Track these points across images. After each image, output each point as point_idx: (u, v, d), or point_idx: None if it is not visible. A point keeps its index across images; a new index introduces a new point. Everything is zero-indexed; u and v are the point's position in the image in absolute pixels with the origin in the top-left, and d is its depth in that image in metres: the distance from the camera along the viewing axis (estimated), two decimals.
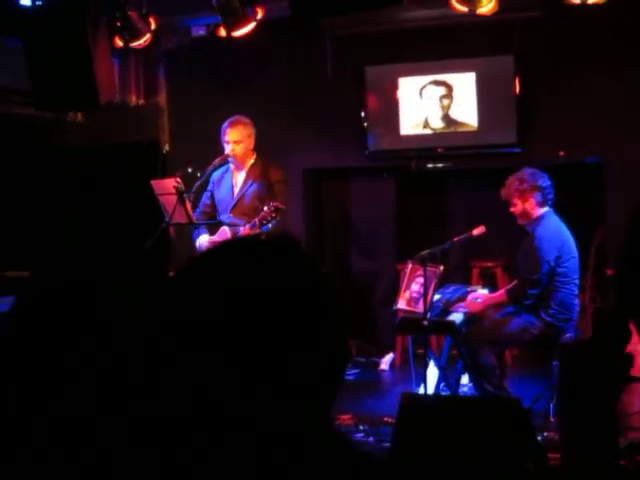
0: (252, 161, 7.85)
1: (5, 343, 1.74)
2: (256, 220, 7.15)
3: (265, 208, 7.19)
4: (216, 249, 1.48)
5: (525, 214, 7.12)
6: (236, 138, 7.69)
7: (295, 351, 1.37)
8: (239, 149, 7.71)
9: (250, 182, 7.79)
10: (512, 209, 7.16)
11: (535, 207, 7.08)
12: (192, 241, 7.80)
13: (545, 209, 7.12)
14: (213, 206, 7.98)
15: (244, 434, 1.37)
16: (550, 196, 7.11)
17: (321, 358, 1.41)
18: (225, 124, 7.75)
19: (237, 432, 1.37)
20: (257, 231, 6.99)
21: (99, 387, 1.63)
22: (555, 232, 7.09)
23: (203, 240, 7.67)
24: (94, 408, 1.62)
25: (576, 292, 7.16)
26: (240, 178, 7.87)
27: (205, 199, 8.01)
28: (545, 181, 7.09)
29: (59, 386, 1.63)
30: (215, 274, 1.41)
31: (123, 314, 1.73)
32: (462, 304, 7.36)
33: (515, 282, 7.33)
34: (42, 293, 1.77)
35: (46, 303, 1.73)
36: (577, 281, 7.15)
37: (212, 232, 7.80)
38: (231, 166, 7.89)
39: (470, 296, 7.51)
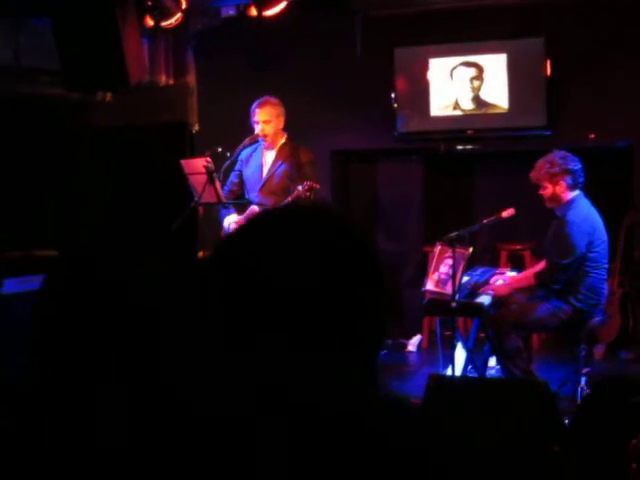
0: (283, 141, 7.87)
1: (36, 321, 1.74)
2: (289, 199, 7.17)
3: (299, 187, 7.20)
4: (254, 220, 1.47)
5: (555, 197, 7.05)
6: (265, 118, 7.71)
7: (340, 317, 1.36)
8: (268, 129, 7.72)
9: (280, 162, 7.80)
10: (541, 192, 7.09)
11: (565, 190, 7.01)
12: (220, 221, 7.82)
13: (575, 193, 7.05)
14: (240, 185, 7.99)
15: (297, 409, 1.37)
16: (581, 179, 7.04)
17: (366, 319, 1.40)
18: (254, 104, 7.76)
19: (290, 408, 1.36)
20: None
21: (130, 368, 1.63)
22: (586, 217, 7.02)
23: (231, 220, 7.69)
24: (125, 388, 1.62)
25: (605, 277, 7.11)
26: (269, 157, 7.88)
27: (233, 177, 8.02)
28: (576, 164, 7.02)
29: (90, 366, 1.63)
30: (256, 243, 1.40)
31: (155, 292, 1.72)
32: (489, 287, 7.33)
33: (543, 266, 7.29)
34: (72, 271, 1.77)
35: (77, 281, 1.73)
36: (606, 265, 7.10)
37: (240, 212, 7.81)
38: (261, 145, 7.89)
39: (494, 279, 7.48)
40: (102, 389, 1.61)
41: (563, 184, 6.98)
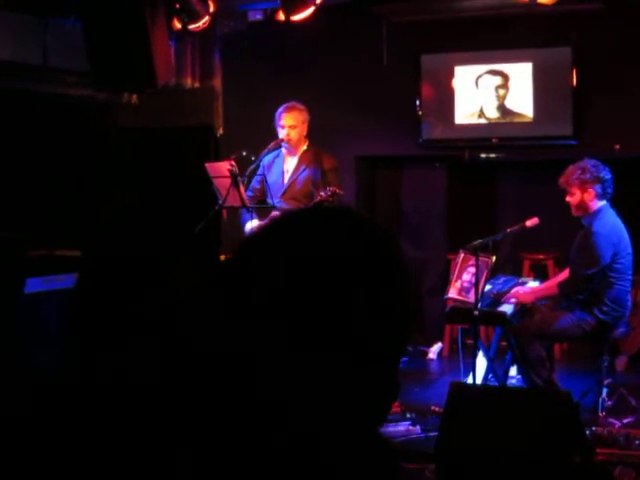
0: (305, 147, 7.88)
1: (70, 318, 1.75)
2: (312, 204, 7.18)
3: (322, 193, 7.23)
4: (278, 221, 1.46)
5: (582, 205, 7.02)
6: (291, 123, 7.72)
7: (366, 319, 1.36)
8: (294, 134, 7.74)
9: (302, 168, 7.82)
10: (569, 198, 7.06)
11: (594, 199, 6.98)
12: (242, 226, 7.83)
13: (602, 203, 7.02)
14: (262, 191, 7.99)
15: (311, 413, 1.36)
16: (609, 190, 7.01)
17: (392, 322, 1.40)
18: (281, 109, 7.78)
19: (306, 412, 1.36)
20: None
21: (162, 363, 1.63)
22: (612, 228, 6.99)
23: (253, 226, 7.69)
24: (157, 382, 1.62)
25: (629, 288, 7.08)
26: (292, 163, 7.90)
27: (255, 183, 8.03)
28: (607, 174, 6.99)
29: (124, 361, 1.64)
30: (280, 243, 1.40)
31: (184, 291, 1.72)
32: (513, 295, 7.31)
33: (567, 276, 7.27)
34: (105, 270, 1.77)
35: (110, 280, 1.73)
36: (631, 277, 7.07)
37: (261, 217, 7.83)
38: (283, 151, 7.91)
39: (521, 288, 7.45)
40: (134, 383, 1.62)
41: (592, 192, 6.95)
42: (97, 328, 1.68)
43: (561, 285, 7.18)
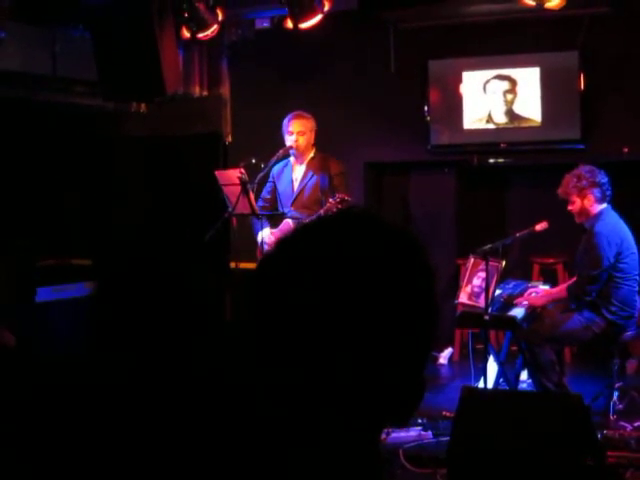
0: (312, 155, 7.92)
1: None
2: (321, 212, 7.19)
3: (330, 200, 7.25)
4: (308, 226, 1.46)
5: (584, 212, 7.06)
6: (299, 129, 7.77)
7: (399, 320, 1.37)
8: (302, 140, 7.78)
9: (310, 175, 7.86)
10: (570, 207, 7.10)
11: (594, 204, 7.02)
12: (253, 233, 7.85)
13: (603, 206, 7.06)
14: (273, 200, 8.02)
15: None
16: (608, 192, 7.05)
17: (421, 323, 1.41)
18: (289, 116, 7.83)
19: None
20: None
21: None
22: (614, 228, 7.03)
23: (265, 234, 7.72)
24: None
25: (636, 288, 7.10)
26: (300, 171, 7.94)
27: (265, 193, 8.07)
28: (603, 177, 7.03)
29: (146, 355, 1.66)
30: (311, 250, 1.40)
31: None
32: (524, 298, 7.32)
33: (574, 279, 7.30)
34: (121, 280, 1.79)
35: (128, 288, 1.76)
36: (637, 277, 7.09)
37: (273, 225, 7.86)
38: (291, 159, 7.96)
39: (529, 291, 7.48)
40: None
41: (591, 197, 7.00)
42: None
43: (569, 288, 7.23)
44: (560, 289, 7.46)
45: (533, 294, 7.41)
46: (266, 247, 7.53)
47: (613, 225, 7.05)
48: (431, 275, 1.43)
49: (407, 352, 1.39)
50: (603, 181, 7.02)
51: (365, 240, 1.40)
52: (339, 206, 7.14)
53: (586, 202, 7.02)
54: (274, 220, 7.93)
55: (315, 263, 1.37)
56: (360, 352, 1.34)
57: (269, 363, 1.38)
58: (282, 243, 1.43)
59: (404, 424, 1.47)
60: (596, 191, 7.00)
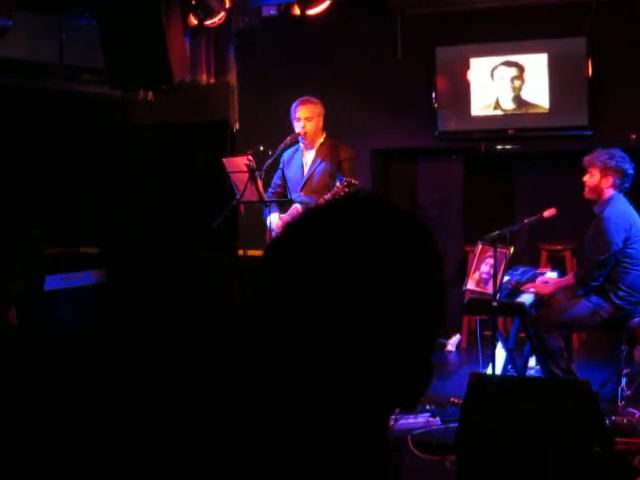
0: (322, 140, 7.92)
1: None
2: (329, 195, 7.21)
3: (337, 183, 7.28)
4: (314, 210, 1.46)
5: (596, 189, 7.04)
6: (307, 115, 7.77)
7: (407, 304, 1.37)
8: (310, 126, 7.77)
9: (319, 160, 7.86)
10: (585, 179, 7.08)
11: (609, 187, 7.00)
12: (263, 219, 7.86)
13: (616, 192, 7.05)
14: (284, 186, 8.05)
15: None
16: (627, 185, 7.04)
17: (430, 306, 1.41)
18: (296, 102, 7.83)
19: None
20: None
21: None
22: (623, 214, 7.03)
23: (274, 218, 7.73)
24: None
25: None
26: (309, 157, 7.94)
27: (276, 179, 8.09)
28: (630, 169, 7.02)
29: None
30: (316, 238, 1.40)
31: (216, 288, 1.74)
32: (531, 285, 7.32)
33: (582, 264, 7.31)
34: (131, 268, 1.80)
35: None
36: None
37: (283, 210, 7.87)
38: (301, 145, 7.96)
39: (539, 279, 7.47)
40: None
41: (610, 179, 6.98)
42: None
43: (576, 273, 7.25)
44: (567, 277, 7.47)
45: (540, 282, 7.41)
46: (274, 232, 7.54)
47: (622, 211, 7.04)
48: (439, 260, 1.43)
49: (414, 337, 1.39)
50: (629, 172, 7.03)
51: (372, 224, 1.39)
52: (346, 190, 7.15)
53: (604, 182, 7.01)
54: (283, 206, 7.93)
55: (322, 247, 1.36)
56: (367, 337, 1.34)
57: (275, 347, 1.38)
58: (289, 227, 1.43)
59: (412, 409, 1.48)
60: (618, 177, 6.99)
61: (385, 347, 1.35)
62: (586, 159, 7.07)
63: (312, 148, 7.92)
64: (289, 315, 1.36)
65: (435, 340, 1.46)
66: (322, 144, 7.91)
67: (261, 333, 1.40)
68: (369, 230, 1.38)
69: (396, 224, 1.42)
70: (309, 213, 1.44)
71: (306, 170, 7.92)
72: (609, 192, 7.02)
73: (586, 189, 7.10)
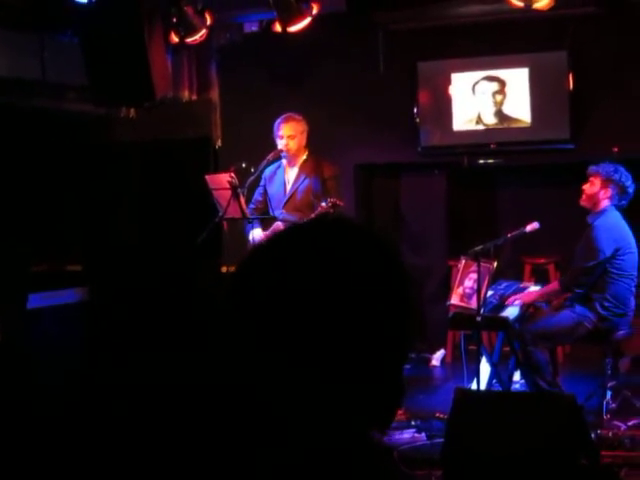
0: (304, 157, 7.89)
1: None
2: (313, 216, 7.18)
3: (322, 204, 7.24)
4: (280, 235, 1.48)
5: (593, 198, 7.08)
6: (290, 133, 7.73)
7: (369, 328, 1.38)
8: (292, 144, 7.74)
9: (302, 178, 7.83)
10: (585, 186, 7.12)
11: (607, 199, 7.05)
12: (245, 236, 7.84)
13: (611, 205, 7.08)
14: (265, 202, 8.02)
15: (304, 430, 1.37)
16: (624, 202, 7.11)
17: (394, 330, 1.42)
18: (279, 120, 7.79)
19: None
20: None
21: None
22: (614, 225, 7.06)
23: (256, 234, 7.70)
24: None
25: (633, 289, 7.11)
26: (292, 174, 7.91)
27: (257, 195, 8.06)
28: (631, 187, 7.07)
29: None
30: (282, 256, 1.42)
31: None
32: (516, 297, 7.32)
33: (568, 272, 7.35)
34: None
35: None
36: (635, 275, 7.09)
37: (265, 227, 7.84)
38: (283, 162, 7.93)
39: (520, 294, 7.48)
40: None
41: (609, 191, 7.02)
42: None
43: (561, 279, 7.29)
44: (552, 284, 7.51)
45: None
46: None
47: (614, 223, 7.08)
48: (405, 277, 1.45)
49: (383, 356, 1.40)
50: (629, 190, 7.08)
51: (338, 246, 1.41)
52: (331, 210, 7.14)
53: (602, 192, 7.05)
54: (265, 223, 7.91)
55: (287, 270, 1.38)
56: (334, 357, 1.35)
57: (242, 370, 1.39)
58: (255, 251, 1.46)
59: (385, 428, 1.48)
60: (617, 191, 7.04)
61: (353, 367, 1.36)
62: (592, 167, 7.12)
63: (295, 165, 7.89)
64: (256, 336, 1.38)
65: (405, 359, 1.46)
66: (305, 161, 7.88)
67: (230, 355, 1.41)
68: (335, 253, 1.40)
69: (362, 246, 1.44)
70: (276, 236, 1.46)
71: (289, 187, 7.89)
72: (605, 203, 7.06)
73: (583, 196, 7.14)
